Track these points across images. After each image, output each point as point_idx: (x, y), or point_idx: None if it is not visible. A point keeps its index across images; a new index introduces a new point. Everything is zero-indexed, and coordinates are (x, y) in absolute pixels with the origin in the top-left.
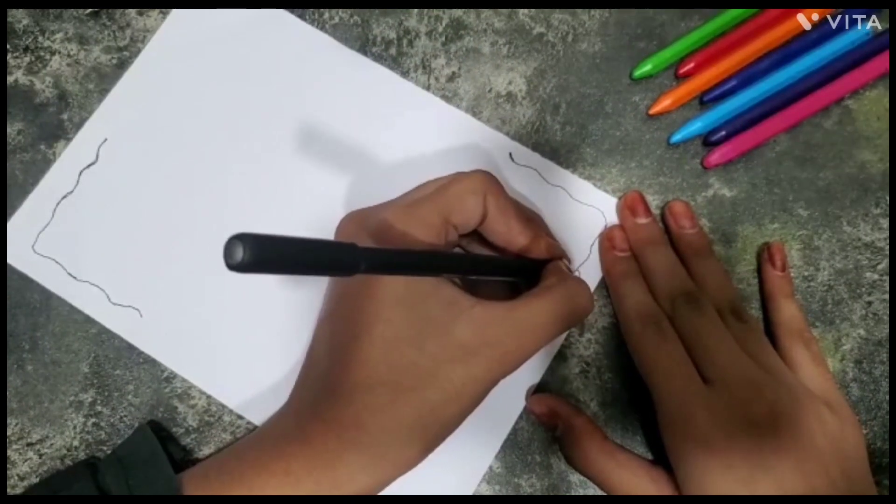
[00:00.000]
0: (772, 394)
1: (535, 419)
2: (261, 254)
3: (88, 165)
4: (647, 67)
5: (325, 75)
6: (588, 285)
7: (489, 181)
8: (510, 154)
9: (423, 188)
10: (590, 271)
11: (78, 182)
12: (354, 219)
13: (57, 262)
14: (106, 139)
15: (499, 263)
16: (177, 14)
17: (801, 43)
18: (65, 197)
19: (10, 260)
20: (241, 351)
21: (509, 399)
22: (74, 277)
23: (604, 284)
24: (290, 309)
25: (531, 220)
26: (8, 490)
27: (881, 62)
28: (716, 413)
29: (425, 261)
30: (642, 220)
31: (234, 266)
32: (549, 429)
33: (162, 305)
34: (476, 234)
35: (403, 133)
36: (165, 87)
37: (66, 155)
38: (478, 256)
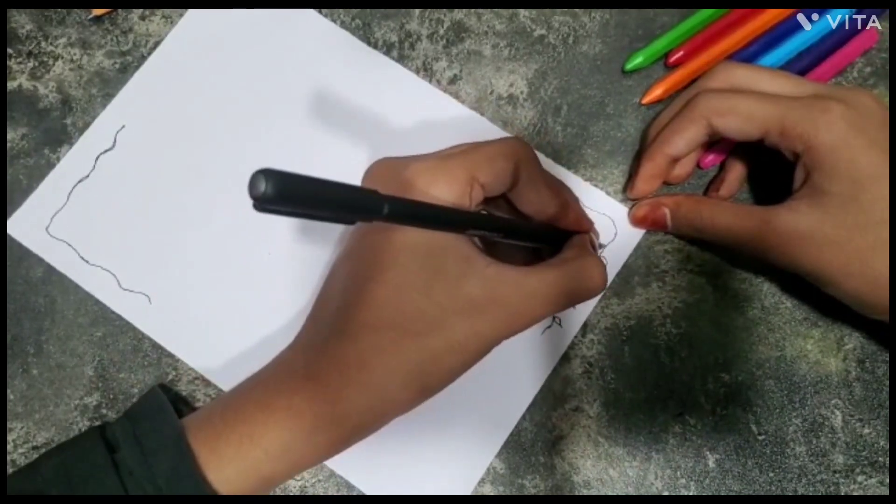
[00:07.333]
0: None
1: (646, 226)
2: (283, 189)
3: (105, 151)
4: (638, 59)
5: (339, 68)
6: (604, 265)
7: (523, 148)
8: None
9: (457, 146)
10: None
11: (94, 167)
12: (382, 165)
13: (70, 245)
14: (124, 126)
15: (522, 228)
16: (197, 10)
17: (788, 25)
18: (81, 181)
19: (23, 241)
20: (248, 342)
21: (511, 400)
22: (86, 261)
23: (609, 286)
24: (300, 300)
25: (561, 190)
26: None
27: (869, 35)
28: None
29: (448, 215)
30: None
31: (256, 198)
32: (661, 226)
33: (171, 293)
34: (502, 199)
35: (412, 128)
36: (183, 77)
37: (84, 139)
38: (501, 218)
